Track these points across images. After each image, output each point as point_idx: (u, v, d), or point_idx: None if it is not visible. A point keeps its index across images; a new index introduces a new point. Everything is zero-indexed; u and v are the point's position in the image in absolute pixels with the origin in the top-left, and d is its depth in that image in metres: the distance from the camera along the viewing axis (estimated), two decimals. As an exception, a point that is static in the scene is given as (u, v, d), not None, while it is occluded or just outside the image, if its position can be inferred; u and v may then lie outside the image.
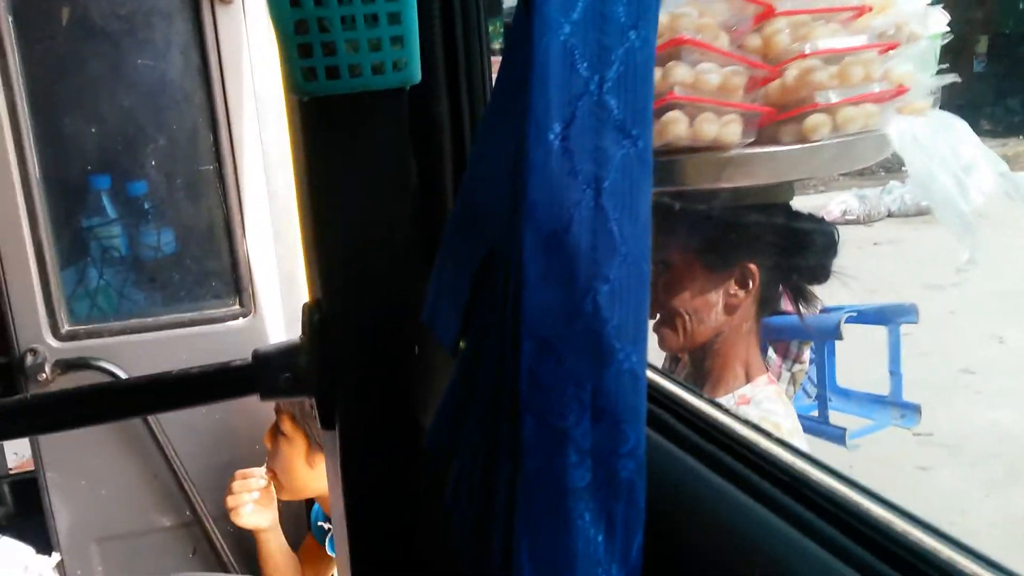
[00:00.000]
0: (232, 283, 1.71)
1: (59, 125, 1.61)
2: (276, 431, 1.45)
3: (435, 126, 0.78)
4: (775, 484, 0.40)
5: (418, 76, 0.70)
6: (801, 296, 2.25)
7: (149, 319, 1.66)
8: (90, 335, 1.62)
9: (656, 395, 0.49)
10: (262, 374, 0.78)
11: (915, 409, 2.37)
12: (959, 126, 1.09)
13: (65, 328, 1.61)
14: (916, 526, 0.36)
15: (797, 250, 1.46)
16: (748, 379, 1.22)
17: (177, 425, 1.66)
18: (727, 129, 0.87)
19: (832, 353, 2.36)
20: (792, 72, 0.93)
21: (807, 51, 0.94)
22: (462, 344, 0.62)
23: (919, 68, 1.09)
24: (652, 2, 0.41)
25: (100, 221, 1.69)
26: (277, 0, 0.64)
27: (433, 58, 0.75)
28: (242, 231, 1.67)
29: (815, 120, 0.96)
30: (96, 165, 1.66)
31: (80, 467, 1.67)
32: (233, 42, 1.61)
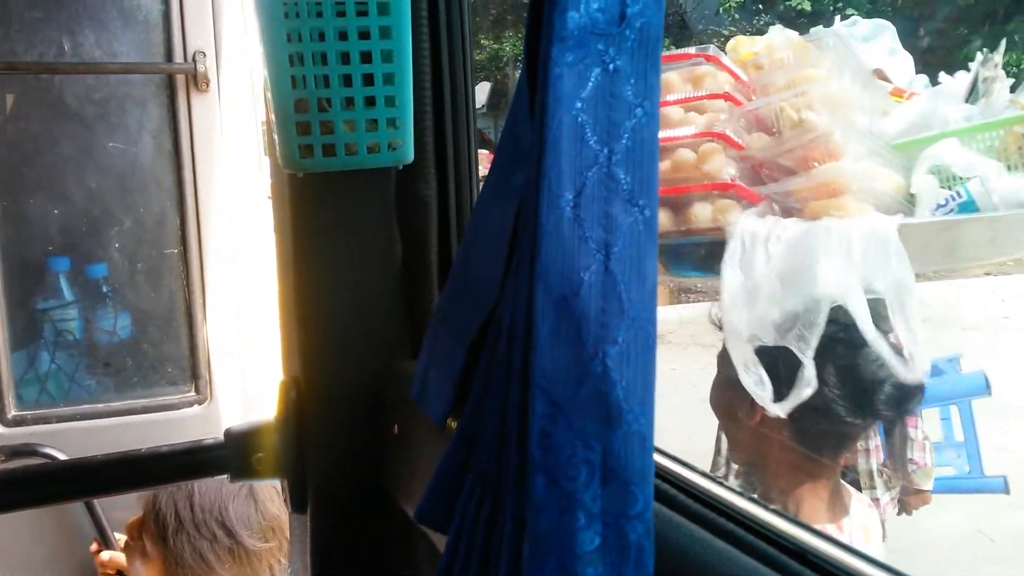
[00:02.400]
0: (188, 369, 1.67)
1: (22, 205, 1.60)
2: (138, 538, 1.31)
3: (422, 206, 0.80)
4: (776, 547, 0.40)
5: (411, 156, 0.72)
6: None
7: (100, 405, 1.61)
8: (37, 420, 1.55)
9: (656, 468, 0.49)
10: (233, 454, 0.76)
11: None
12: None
13: (12, 413, 1.54)
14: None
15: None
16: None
17: (120, 515, 1.58)
18: None
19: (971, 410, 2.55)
20: None
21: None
22: (450, 420, 0.62)
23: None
24: (655, 83, 0.44)
25: (56, 303, 1.65)
26: (278, 79, 0.66)
27: (423, 140, 0.77)
28: (203, 316, 1.65)
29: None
30: (57, 246, 1.63)
31: (17, 560, 1.56)
32: (206, 128, 1.63)
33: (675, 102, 1.13)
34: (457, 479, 0.51)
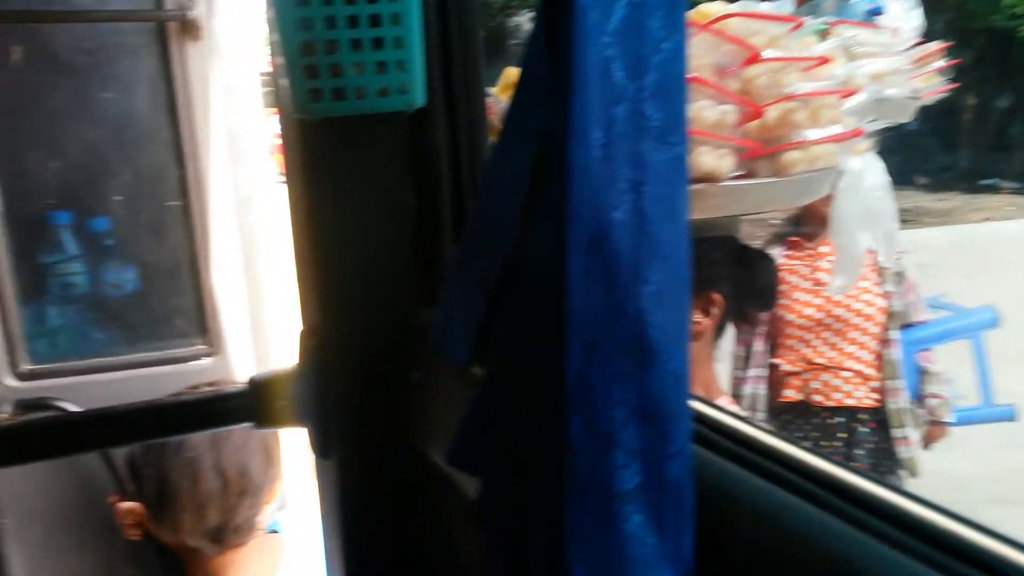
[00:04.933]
0: (197, 322, 1.67)
1: (20, 159, 1.58)
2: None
3: (433, 152, 0.79)
4: (815, 482, 0.40)
5: (422, 100, 0.70)
6: (749, 322, 2.38)
7: (111, 358, 1.61)
8: (50, 374, 1.56)
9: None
10: (258, 402, 0.76)
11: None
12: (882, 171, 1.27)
13: (24, 367, 1.55)
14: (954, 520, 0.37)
15: (748, 279, 1.54)
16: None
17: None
18: (722, 162, 0.91)
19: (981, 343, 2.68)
20: (773, 112, 0.99)
21: (788, 94, 0.99)
22: (475, 365, 0.62)
23: (860, 115, 1.20)
24: (682, 18, 0.43)
25: (60, 257, 1.64)
26: (284, 21, 0.64)
27: (432, 84, 0.76)
28: (208, 269, 1.64)
29: (793, 156, 1.01)
30: (57, 200, 1.62)
31: (39, 512, 1.59)
32: (201, 77, 1.60)
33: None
34: (487, 422, 0.51)
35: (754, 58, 0.98)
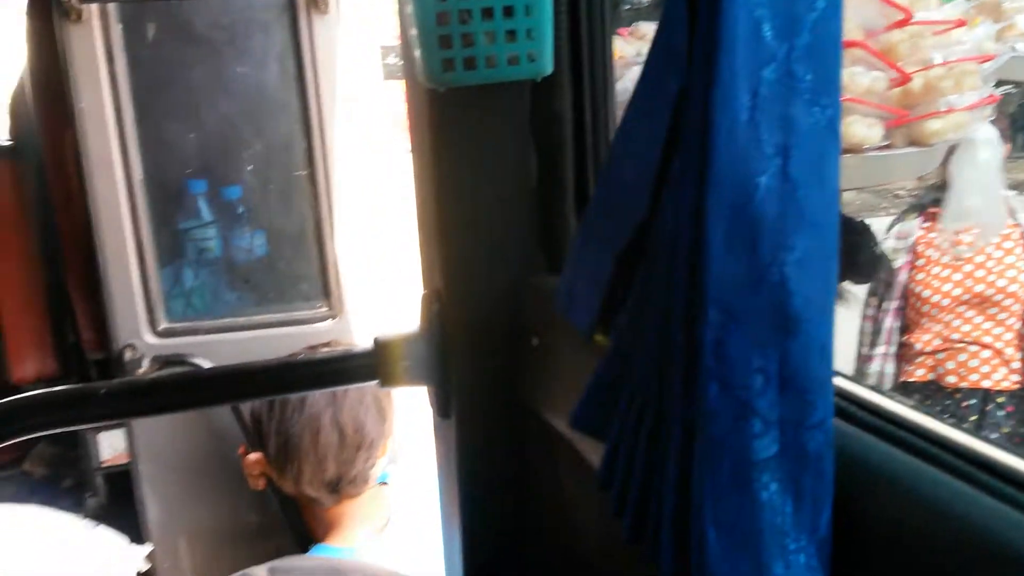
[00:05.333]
0: (320, 286, 1.75)
1: (161, 130, 1.68)
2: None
3: (557, 119, 0.79)
4: (964, 459, 0.39)
5: (550, 67, 0.71)
6: (879, 297, 2.28)
7: (241, 319, 1.71)
8: (185, 332, 1.67)
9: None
10: (382, 362, 0.79)
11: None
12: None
13: (162, 325, 1.66)
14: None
15: (846, 251, 1.47)
16: None
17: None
18: (872, 131, 0.88)
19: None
20: (919, 78, 0.94)
21: (933, 60, 0.94)
22: (599, 332, 0.62)
23: (988, 81, 1.12)
24: (836, -27, 0.41)
25: (196, 223, 1.74)
26: (420, -9, 0.65)
27: (559, 52, 0.75)
28: (331, 235, 1.71)
29: (936, 124, 0.96)
30: (194, 169, 1.71)
31: (173, 460, 1.71)
32: (328, 50, 1.65)
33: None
34: (613, 388, 0.51)
35: (905, 20, 0.93)
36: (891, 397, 0.45)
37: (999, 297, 2.17)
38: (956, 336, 2.21)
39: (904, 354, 2.32)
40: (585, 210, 0.61)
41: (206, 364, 1.65)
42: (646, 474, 0.45)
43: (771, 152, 0.39)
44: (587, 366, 0.55)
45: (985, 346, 2.19)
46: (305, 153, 1.68)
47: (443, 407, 0.81)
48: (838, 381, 0.44)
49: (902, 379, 2.31)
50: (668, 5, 0.49)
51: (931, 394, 2.27)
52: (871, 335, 2.31)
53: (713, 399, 0.39)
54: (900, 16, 0.91)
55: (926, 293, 2.24)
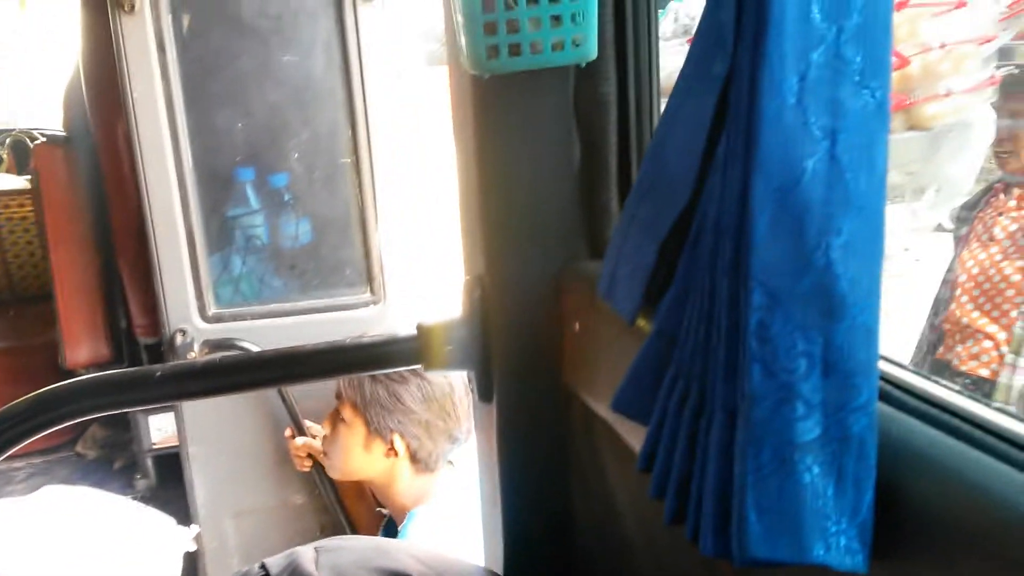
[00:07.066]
0: (364, 272, 1.77)
1: (210, 119, 1.71)
2: (336, 417, 1.49)
3: (601, 105, 0.79)
4: (1011, 444, 0.38)
5: (594, 52, 0.71)
6: None
7: (287, 304, 1.74)
8: (234, 318, 1.71)
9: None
10: (426, 346, 0.81)
11: None
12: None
13: (212, 311, 1.70)
14: None
15: None
16: None
17: (312, 404, 1.73)
18: None
19: None
20: (918, 62, 0.92)
21: (930, 43, 0.92)
22: (641, 317, 0.62)
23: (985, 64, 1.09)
24: (888, -46, 0.40)
25: (244, 211, 1.78)
26: (466, -22, 0.66)
27: (603, 37, 0.75)
28: (375, 222, 1.73)
29: (935, 108, 0.94)
30: (242, 157, 1.75)
31: (220, 443, 1.76)
32: (373, 39, 1.67)
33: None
34: (656, 371, 0.51)
35: (904, 2, 0.91)
36: (931, 378, 0.44)
37: (1003, 285, 2.12)
38: (965, 321, 2.17)
39: (935, 333, 2.28)
40: (628, 196, 0.61)
41: (254, 349, 1.69)
42: (688, 456, 0.46)
43: (819, 135, 0.39)
44: (629, 351, 0.56)
45: (987, 335, 2.15)
46: (350, 141, 1.71)
47: (485, 391, 0.82)
48: (881, 364, 0.44)
49: (927, 357, 2.28)
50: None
51: (937, 373, 2.22)
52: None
53: (756, 382, 0.39)
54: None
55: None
